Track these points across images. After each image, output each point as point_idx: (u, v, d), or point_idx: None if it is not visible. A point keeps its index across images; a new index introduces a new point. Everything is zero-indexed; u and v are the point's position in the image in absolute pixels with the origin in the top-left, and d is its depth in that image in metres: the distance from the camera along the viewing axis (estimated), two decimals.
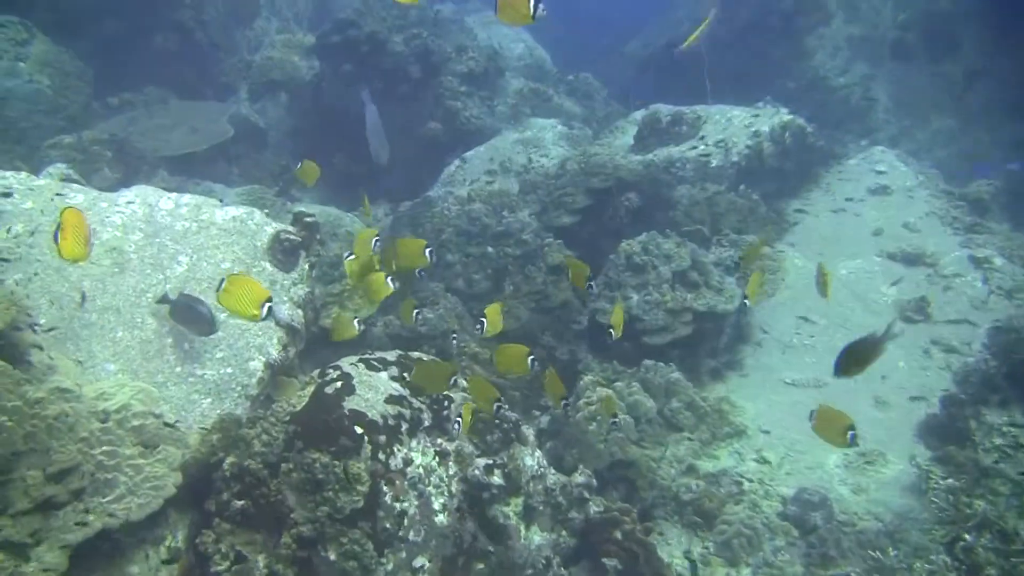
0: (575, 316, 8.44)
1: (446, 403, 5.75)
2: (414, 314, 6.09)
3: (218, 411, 5.63)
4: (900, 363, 8.03)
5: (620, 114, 11.54)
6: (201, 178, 10.68)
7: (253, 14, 14.24)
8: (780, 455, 7.19)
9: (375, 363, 5.74)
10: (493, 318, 5.54)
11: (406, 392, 5.60)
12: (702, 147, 9.82)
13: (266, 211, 6.57)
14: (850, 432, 4.86)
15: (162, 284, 5.97)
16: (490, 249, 8.83)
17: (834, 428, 4.96)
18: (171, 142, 10.72)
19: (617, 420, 6.61)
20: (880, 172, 10.56)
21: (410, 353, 6.11)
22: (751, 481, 6.91)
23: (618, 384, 7.25)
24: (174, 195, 6.39)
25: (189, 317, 5.65)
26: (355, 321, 5.92)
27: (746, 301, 6.27)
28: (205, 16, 13.02)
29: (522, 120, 11.77)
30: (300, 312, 6.21)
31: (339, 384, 5.41)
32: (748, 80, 14.19)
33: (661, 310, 7.79)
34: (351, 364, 5.67)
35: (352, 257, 6.05)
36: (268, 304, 4.64)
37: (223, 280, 4.69)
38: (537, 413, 7.57)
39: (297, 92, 12.73)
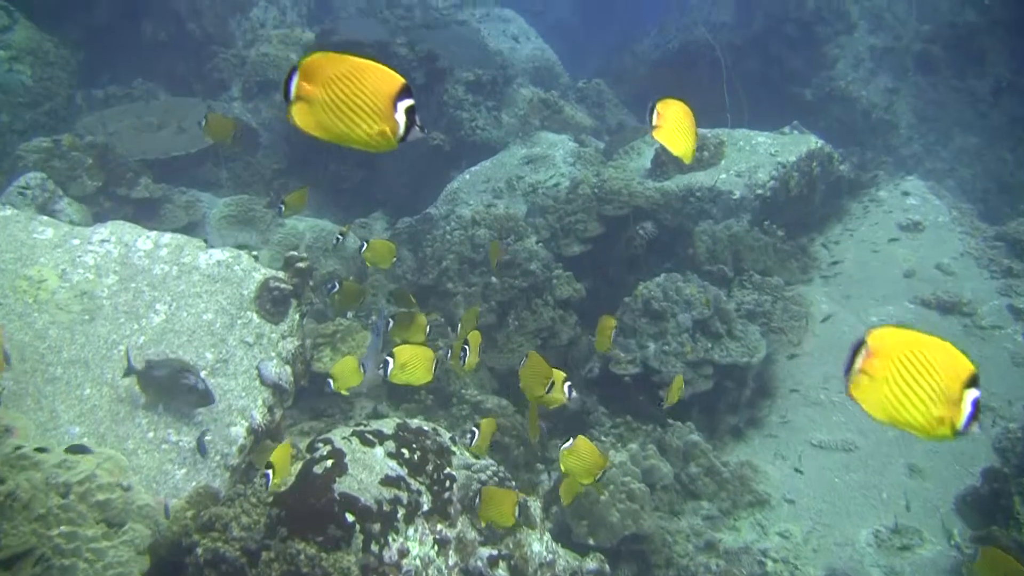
0: (585, 361, 7.86)
1: (447, 483, 5.16)
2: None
3: (193, 483, 5.06)
4: None
5: (634, 130, 10.85)
6: (188, 184, 10.07)
7: (250, 2, 13.51)
8: (806, 529, 6.60)
9: (370, 436, 5.13)
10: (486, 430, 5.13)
11: (404, 472, 5.01)
12: (724, 176, 9.18)
13: (254, 252, 5.91)
14: None
15: (136, 335, 5.35)
16: (494, 279, 8.24)
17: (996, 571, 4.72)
18: (156, 144, 10.08)
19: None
20: (911, 206, 9.92)
21: (409, 423, 5.50)
22: (775, 560, 6.32)
23: (632, 446, 6.66)
24: (153, 234, 5.73)
25: (173, 388, 5.06)
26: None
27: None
28: (200, 4, 12.32)
29: (531, 134, 11.07)
30: (288, 369, 5.59)
31: (329, 463, 4.81)
32: (763, 89, 13.61)
33: (680, 362, 7.19)
34: (343, 439, 5.06)
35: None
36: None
37: None
38: (540, 467, 6.99)
39: None
